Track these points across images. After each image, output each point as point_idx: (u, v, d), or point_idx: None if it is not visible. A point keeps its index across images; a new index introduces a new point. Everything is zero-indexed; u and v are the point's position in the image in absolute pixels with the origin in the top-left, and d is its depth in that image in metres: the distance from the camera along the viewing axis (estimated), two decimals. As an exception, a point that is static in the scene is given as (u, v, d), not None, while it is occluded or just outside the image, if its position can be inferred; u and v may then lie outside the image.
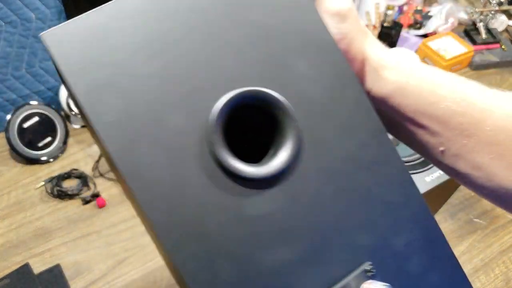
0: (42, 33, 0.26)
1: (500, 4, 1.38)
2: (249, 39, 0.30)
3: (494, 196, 0.34)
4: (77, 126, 1.05)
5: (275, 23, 0.30)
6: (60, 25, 0.26)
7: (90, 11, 0.27)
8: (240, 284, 0.28)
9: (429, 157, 0.36)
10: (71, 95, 0.28)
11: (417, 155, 0.71)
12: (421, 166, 0.70)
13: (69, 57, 0.26)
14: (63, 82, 0.28)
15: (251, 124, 0.33)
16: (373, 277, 0.30)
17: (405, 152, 0.73)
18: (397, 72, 0.34)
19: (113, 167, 0.32)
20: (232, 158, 0.28)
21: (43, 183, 0.92)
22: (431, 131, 0.34)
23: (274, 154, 0.29)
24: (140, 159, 0.27)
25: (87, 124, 0.31)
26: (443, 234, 0.34)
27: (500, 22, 1.41)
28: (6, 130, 0.94)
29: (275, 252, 0.29)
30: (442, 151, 0.34)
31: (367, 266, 0.30)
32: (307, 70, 0.31)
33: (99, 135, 0.26)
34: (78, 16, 0.26)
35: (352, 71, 0.32)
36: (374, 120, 0.32)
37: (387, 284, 0.30)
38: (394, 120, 0.35)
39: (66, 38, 0.26)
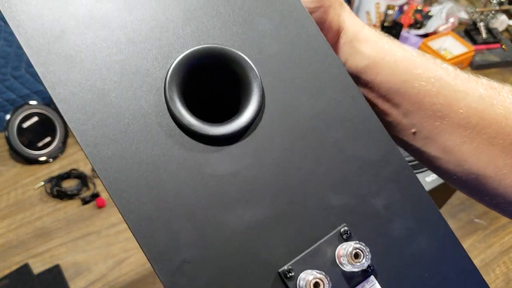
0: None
1: (500, 3, 1.38)
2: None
3: (462, 182, 0.33)
4: (76, 126, 1.04)
5: None
6: None
7: None
8: (202, 246, 0.26)
9: (399, 139, 0.35)
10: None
11: (418, 155, 0.71)
12: (422, 166, 0.70)
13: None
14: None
15: (220, 86, 0.32)
16: (349, 240, 0.29)
17: (405, 152, 0.73)
18: (374, 47, 0.33)
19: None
20: (188, 114, 0.27)
21: (42, 183, 0.92)
22: (404, 111, 0.33)
23: (238, 112, 0.29)
24: (95, 118, 0.26)
25: None
26: (428, 195, 0.31)
27: (500, 22, 1.40)
28: (6, 130, 0.94)
29: (239, 214, 0.27)
30: (414, 133, 0.33)
31: (342, 228, 0.29)
32: (271, 29, 0.30)
33: (49, 92, 0.26)
34: None
35: (318, 31, 0.31)
36: (344, 76, 0.31)
37: (361, 243, 0.28)
38: (365, 98, 0.34)
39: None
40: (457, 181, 0.33)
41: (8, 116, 0.95)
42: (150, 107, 0.27)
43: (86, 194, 0.91)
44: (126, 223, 0.26)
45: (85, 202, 0.89)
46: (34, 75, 1.02)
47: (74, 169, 0.95)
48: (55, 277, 0.77)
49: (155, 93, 0.27)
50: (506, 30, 1.43)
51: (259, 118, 0.29)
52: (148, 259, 0.26)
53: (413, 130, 0.33)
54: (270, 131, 0.29)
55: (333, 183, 0.30)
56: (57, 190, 0.90)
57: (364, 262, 0.28)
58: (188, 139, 0.27)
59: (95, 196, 0.90)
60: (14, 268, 0.78)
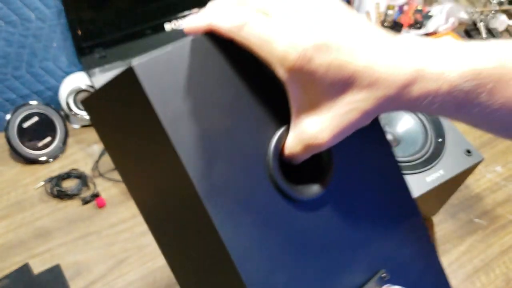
0: (133, 64, 0.28)
1: (500, 4, 1.38)
2: None
3: None
4: (76, 126, 1.04)
5: None
6: (149, 58, 0.29)
7: (171, 47, 0.30)
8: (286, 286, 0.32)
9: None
10: (150, 121, 0.30)
11: (417, 155, 0.71)
12: (422, 166, 0.70)
13: (157, 87, 0.29)
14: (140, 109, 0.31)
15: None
16: (387, 282, 0.37)
17: (405, 151, 0.72)
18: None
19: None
20: (285, 182, 0.33)
21: (42, 183, 0.92)
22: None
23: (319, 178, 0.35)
24: (215, 176, 0.30)
25: (159, 146, 0.32)
26: (434, 247, 0.42)
27: (500, 22, 1.40)
28: (6, 130, 0.94)
29: (313, 261, 0.34)
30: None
31: (382, 273, 0.37)
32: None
33: (179, 156, 0.29)
34: (160, 52, 0.29)
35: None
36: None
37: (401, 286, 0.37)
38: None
39: (154, 71, 0.29)
40: None
41: (8, 116, 0.95)
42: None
43: (86, 194, 0.91)
44: (230, 255, 0.30)
45: (85, 202, 0.89)
46: (34, 75, 1.02)
47: (74, 169, 0.95)
48: (55, 277, 0.77)
49: (264, 164, 0.33)
50: (506, 30, 1.43)
51: (332, 187, 0.35)
52: None
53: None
54: (340, 196, 0.36)
55: (377, 238, 0.38)
56: (57, 190, 0.90)
57: None
58: (283, 198, 0.33)
59: (95, 196, 0.90)
60: (14, 268, 0.78)
